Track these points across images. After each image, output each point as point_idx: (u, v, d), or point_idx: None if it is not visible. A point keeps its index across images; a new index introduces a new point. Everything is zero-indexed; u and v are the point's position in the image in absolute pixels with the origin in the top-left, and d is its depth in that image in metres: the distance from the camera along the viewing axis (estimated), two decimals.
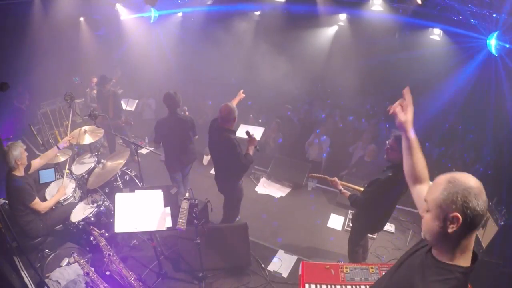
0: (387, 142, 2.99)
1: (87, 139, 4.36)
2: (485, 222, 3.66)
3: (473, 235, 1.25)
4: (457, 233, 1.22)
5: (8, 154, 3.32)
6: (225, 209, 4.17)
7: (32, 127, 4.76)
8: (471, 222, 1.19)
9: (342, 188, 3.42)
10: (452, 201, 1.19)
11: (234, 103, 3.77)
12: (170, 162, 4.37)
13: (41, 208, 3.55)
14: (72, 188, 4.03)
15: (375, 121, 6.77)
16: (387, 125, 6.75)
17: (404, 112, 1.64)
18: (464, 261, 1.28)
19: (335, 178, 3.48)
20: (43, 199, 3.95)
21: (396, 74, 10.47)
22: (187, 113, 4.55)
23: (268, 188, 5.71)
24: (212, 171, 6.12)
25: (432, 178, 4.04)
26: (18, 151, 3.36)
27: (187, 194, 3.16)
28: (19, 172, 3.43)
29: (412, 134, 1.66)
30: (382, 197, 2.99)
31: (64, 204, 3.91)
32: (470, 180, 1.21)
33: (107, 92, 5.82)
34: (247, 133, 3.73)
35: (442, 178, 1.26)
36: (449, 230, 1.21)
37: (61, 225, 4.25)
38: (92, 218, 3.75)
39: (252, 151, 3.63)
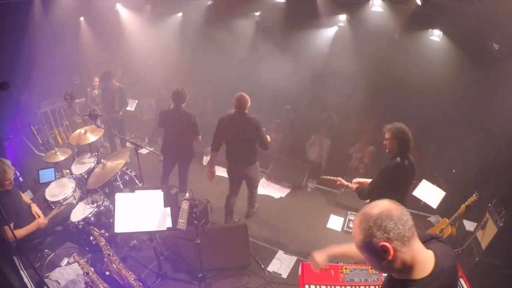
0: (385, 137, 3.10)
1: (89, 139, 4.37)
2: (485, 223, 3.66)
3: (413, 248, 1.24)
4: (397, 256, 1.23)
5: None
6: (253, 190, 4.59)
7: (32, 126, 4.76)
8: (400, 242, 1.20)
9: (349, 183, 3.42)
10: (371, 236, 1.22)
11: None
12: (165, 150, 4.60)
13: (9, 236, 2.98)
14: (72, 188, 4.03)
15: (375, 121, 6.77)
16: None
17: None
18: (419, 273, 1.26)
19: (339, 178, 3.50)
20: (43, 200, 3.95)
21: (396, 74, 10.49)
22: None
23: (267, 188, 5.71)
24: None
25: (432, 178, 4.07)
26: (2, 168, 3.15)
27: (187, 195, 3.16)
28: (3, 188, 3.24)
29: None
30: (392, 184, 2.98)
31: (64, 203, 3.89)
32: (376, 209, 1.24)
33: (113, 87, 5.90)
34: None
35: (356, 221, 1.29)
36: (390, 258, 1.22)
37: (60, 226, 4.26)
38: (92, 218, 3.74)
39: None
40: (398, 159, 2.95)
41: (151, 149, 4.44)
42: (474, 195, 3.77)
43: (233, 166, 4.27)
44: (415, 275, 1.25)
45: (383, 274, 2.56)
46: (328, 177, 3.60)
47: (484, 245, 3.52)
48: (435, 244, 1.38)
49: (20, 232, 3.33)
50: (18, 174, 4.80)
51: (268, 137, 4.16)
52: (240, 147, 4.07)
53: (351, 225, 4.75)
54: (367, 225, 1.23)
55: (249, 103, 3.98)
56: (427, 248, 1.33)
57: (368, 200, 3.13)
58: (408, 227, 1.21)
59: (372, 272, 2.61)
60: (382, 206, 1.25)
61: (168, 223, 3.20)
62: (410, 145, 2.99)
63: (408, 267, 1.25)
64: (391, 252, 1.20)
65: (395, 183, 3.01)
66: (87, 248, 3.78)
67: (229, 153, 4.19)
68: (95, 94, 6.62)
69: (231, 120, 4.01)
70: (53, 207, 3.92)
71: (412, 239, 1.23)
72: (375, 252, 1.23)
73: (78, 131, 4.46)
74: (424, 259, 1.27)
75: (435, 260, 1.29)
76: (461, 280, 2.97)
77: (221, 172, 6.10)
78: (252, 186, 4.52)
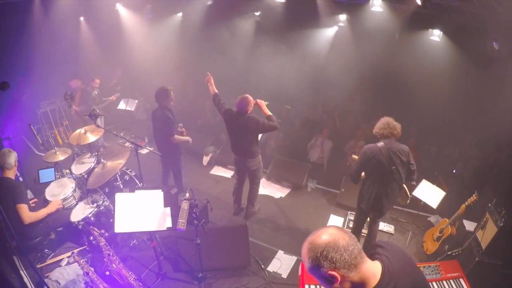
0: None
1: (89, 139, 4.38)
2: (485, 224, 3.66)
3: (361, 270, 1.28)
4: (345, 279, 1.27)
5: (10, 154, 3.35)
6: (254, 186, 4.65)
7: (32, 126, 4.76)
8: (347, 269, 1.25)
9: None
10: (318, 266, 1.26)
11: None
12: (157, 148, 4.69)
13: (25, 216, 3.26)
14: (72, 188, 4.03)
15: (374, 121, 6.77)
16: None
17: None
18: (370, 286, 1.31)
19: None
20: (43, 200, 3.95)
21: (395, 74, 10.49)
22: (183, 129, 4.60)
23: (268, 188, 5.71)
24: (213, 172, 6.17)
25: (432, 178, 4.08)
26: (15, 155, 3.40)
27: (187, 194, 3.16)
28: (12, 175, 3.39)
29: None
30: (367, 165, 3.47)
31: (64, 203, 3.89)
32: (324, 238, 1.27)
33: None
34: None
35: (304, 249, 1.32)
36: (338, 283, 1.27)
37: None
38: (92, 218, 3.75)
39: (267, 110, 4.22)
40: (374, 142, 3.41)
41: (151, 149, 4.44)
42: (474, 195, 3.78)
43: (236, 157, 4.45)
44: None
45: None
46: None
47: (484, 245, 3.51)
48: (381, 250, 1.44)
49: (40, 214, 3.47)
50: (18, 174, 4.79)
51: (265, 111, 4.20)
52: (240, 142, 4.27)
53: (351, 225, 4.74)
54: (314, 255, 1.26)
55: (250, 107, 4.05)
56: (375, 259, 1.39)
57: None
58: (354, 256, 1.26)
59: None
60: (329, 235, 1.28)
61: (168, 223, 3.21)
62: (390, 132, 3.42)
63: (358, 285, 1.30)
64: (339, 278, 1.26)
65: (369, 164, 3.43)
66: (87, 248, 3.78)
67: (233, 146, 4.40)
68: (94, 94, 6.62)
69: (233, 117, 4.15)
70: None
71: (359, 264, 1.27)
72: (324, 278, 1.28)
73: (78, 131, 4.47)
74: (373, 273, 1.32)
75: (382, 269, 1.34)
76: (461, 280, 2.98)
77: (221, 172, 6.12)
78: (254, 181, 4.60)
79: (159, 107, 4.40)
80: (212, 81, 4.50)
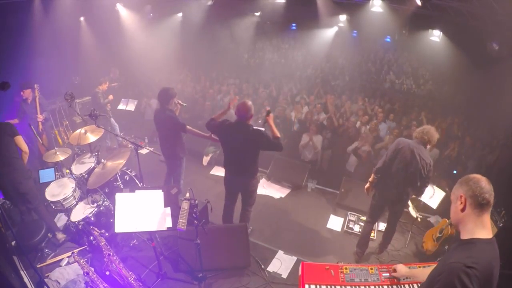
0: None
1: (89, 139, 4.38)
2: None
3: (483, 214, 1.62)
4: (468, 213, 1.64)
5: None
6: (248, 208, 4.08)
7: (32, 126, 4.76)
8: (474, 200, 1.61)
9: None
10: (458, 188, 1.70)
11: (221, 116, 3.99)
12: (161, 148, 4.57)
13: (23, 145, 3.78)
14: (72, 188, 4.03)
15: (375, 121, 6.77)
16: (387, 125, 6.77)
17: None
18: (484, 234, 1.63)
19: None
20: (43, 199, 3.96)
21: (395, 74, 10.51)
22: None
23: (267, 189, 5.71)
24: (213, 172, 6.16)
25: (432, 179, 4.07)
26: None
27: (187, 194, 3.16)
28: None
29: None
30: (392, 154, 3.63)
31: (64, 203, 3.90)
32: (474, 175, 1.69)
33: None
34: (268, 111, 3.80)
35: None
36: (460, 207, 1.65)
37: (61, 226, 4.26)
38: (92, 218, 3.75)
39: (276, 130, 3.79)
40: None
41: (151, 149, 4.44)
42: None
43: (230, 175, 3.91)
44: (481, 235, 1.67)
45: (383, 274, 2.57)
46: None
47: None
48: None
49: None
50: None
51: (274, 132, 3.75)
52: (240, 157, 3.72)
53: (351, 225, 4.76)
54: (460, 181, 1.74)
55: (252, 112, 3.62)
56: None
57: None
58: (483, 199, 1.65)
59: (372, 272, 2.61)
60: (478, 175, 1.72)
61: (168, 223, 3.20)
62: (421, 136, 3.55)
63: (475, 227, 1.67)
64: (462, 203, 1.71)
65: (395, 155, 3.58)
66: (88, 248, 3.78)
67: (227, 162, 3.85)
68: (103, 98, 6.59)
69: (232, 129, 3.65)
70: (53, 207, 3.93)
71: (482, 209, 1.68)
72: (455, 198, 1.76)
73: (78, 131, 4.46)
74: (487, 229, 1.69)
75: None
76: None
77: (221, 172, 6.08)
78: (247, 202, 4.04)
79: (161, 108, 4.27)
80: (230, 112, 4.15)
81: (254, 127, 3.66)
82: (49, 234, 3.95)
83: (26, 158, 3.87)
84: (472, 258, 1.55)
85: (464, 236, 1.67)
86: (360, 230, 4.64)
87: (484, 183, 1.63)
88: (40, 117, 5.11)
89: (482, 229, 1.62)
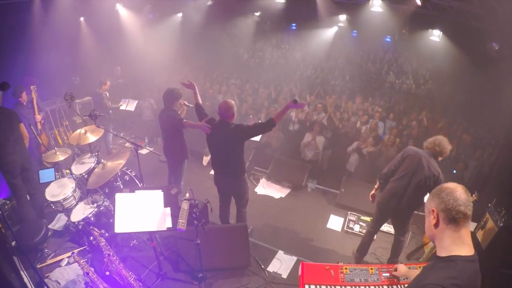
0: None
1: (89, 139, 4.37)
2: (485, 224, 3.66)
3: (460, 229, 1.43)
4: (442, 228, 1.46)
5: None
6: (242, 209, 4.07)
7: (32, 127, 4.76)
8: (447, 215, 1.43)
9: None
10: (430, 201, 1.52)
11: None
12: (163, 149, 4.59)
13: (25, 131, 4.30)
14: (72, 188, 4.02)
15: (374, 120, 6.77)
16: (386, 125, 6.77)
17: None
18: (464, 251, 1.43)
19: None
20: (43, 199, 3.96)
21: (395, 74, 10.51)
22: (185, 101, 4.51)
23: (267, 189, 5.71)
24: (212, 172, 6.15)
25: None
26: None
27: (187, 195, 3.16)
28: None
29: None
30: (399, 161, 3.57)
31: (64, 203, 3.89)
32: (448, 185, 1.50)
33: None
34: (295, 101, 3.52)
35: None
36: (433, 223, 1.48)
37: (61, 226, 4.27)
38: (92, 218, 3.75)
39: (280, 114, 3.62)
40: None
41: (151, 149, 4.44)
42: (474, 195, 3.78)
43: (219, 176, 3.90)
44: (460, 252, 1.45)
45: (383, 274, 2.57)
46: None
47: (484, 245, 3.52)
48: None
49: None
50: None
51: (278, 113, 3.63)
52: (223, 158, 3.73)
53: (351, 225, 4.76)
54: (433, 192, 1.55)
55: (233, 111, 3.58)
56: None
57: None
58: (457, 212, 1.45)
59: (372, 272, 2.61)
60: (453, 184, 1.53)
61: (168, 223, 3.20)
62: (433, 147, 3.44)
63: (453, 243, 1.47)
64: (434, 217, 1.53)
65: (402, 162, 3.50)
66: (88, 248, 3.78)
67: (214, 163, 3.86)
68: (107, 98, 6.58)
69: (214, 129, 3.63)
70: (53, 207, 3.92)
71: (457, 223, 1.47)
72: (427, 212, 1.59)
73: (78, 131, 4.46)
74: (467, 245, 1.48)
75: None
76: None
77: None
78: (240, 203, 4.03)
79: (165, 108, 4.31)
80: (197, 90, 4.15)
81: (235, 124, 3.60)
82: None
83: (27, 142, 4.44)
84: (453, 279, 1.36)
85: (441, 253, 1.48)
86: (360, 230, 4.64)
87: (459, 194, 1.43)
88: (38, 117, 5.11)
89: (461, 245, 1.44)
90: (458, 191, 1.44)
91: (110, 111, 6.23)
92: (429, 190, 3.34)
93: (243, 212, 4.10)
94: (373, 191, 3.87)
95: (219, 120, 3.65)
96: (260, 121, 3.69)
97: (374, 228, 3.89)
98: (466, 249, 1.43)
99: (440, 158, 3.43)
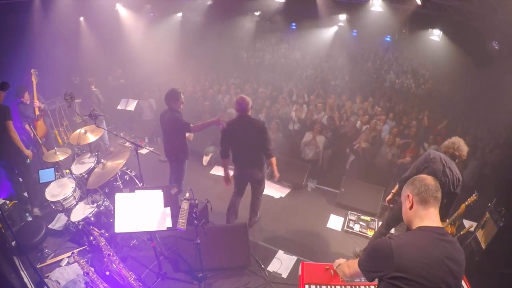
0: None
1: (89, 139, 4.37)
2: (485, 223, 3.66)
3: (429, 208, 1.72)
4: (415, 209, 1.75)
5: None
6: (258, 196, 4.39)
7: (31, 127, 4.76)
8: (420, 198, 1.73)
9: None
10: (405, 189, 1.83)
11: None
12: (164, 149, 4.62)
13: (12, 130, 4.17)
14: (72, 188, 4.03)
15: (375, 121, 6.77)
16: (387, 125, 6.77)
17: None
18: (427, 223, 1.70)
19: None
20: (43, 198, 3.96)
21: (395, 74, 10.50)
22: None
23: (267, 188, 5.68)
24: (213, 172, 6.17)
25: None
26: None
27: (187, 195, 3.16)
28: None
29: None
30: (420, 167, 3.42)
31: (64, 203, 3.89)
32: (420, 175, 1.84)
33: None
34: None
35: None
36: (408, 206, 1.78)
37: (60, 226, 4.27)
38: (92, 218, 3.75)
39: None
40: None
41: (151, 149, 4.43)
42: (474, 195, 3.77)
43: (240, 169, 4.13)
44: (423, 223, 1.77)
45: None
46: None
47: (484, 244, 3.52)
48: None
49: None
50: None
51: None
52: (247, 150, 3.96)
53: (351, 225, 4.76)
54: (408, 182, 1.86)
55: (250, 105, 3.88)
56: None
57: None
58: (425, 193, 1.75)
59: None
60: (422, 175, 1.86)
61: (168, 223, 3.20)
62: (453, 153, 3.36)
63: (418, 219, 1.78)
64: (410, 202, 1.81)
65: (423, 168, 3.35)
66: (87, 248, 3.78)
67: (236, 157, 4.08)
68: (99, 96, 6.62)
69: (236, 123, 3.92)
70: (53, 207, 3.92)
71: (423, 204, 1.76)
72: (404, 198, 1.88)
73: (78, 131, 4.46)
74: (431, 220, 1.74)
75: None
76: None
77: (221, 172, 6.10)
78: (258, 191, 4.34)
79: (168, 109, 4.30)
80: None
81: (254, 118, 3.95)
82: (28, 206, 4.46)
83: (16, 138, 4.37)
84: (397, 237, 1.68)
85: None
86: (360, 229, 4.64)
87: (429, 181, 1.76)
88: (37, 102, 5.03)
89: (428, 220, 1.71)
90: (428, 179, 1.77)
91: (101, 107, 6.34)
92: (451, 193, 3.28)
93: (259, 199, 4.45)
94: (390, 196, 3.79)
95: (239, 115, 3.90)
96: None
97: (387, 230, 3.85)
98: (429, 222, 1.71)
99: (457, 161, 3.37)
